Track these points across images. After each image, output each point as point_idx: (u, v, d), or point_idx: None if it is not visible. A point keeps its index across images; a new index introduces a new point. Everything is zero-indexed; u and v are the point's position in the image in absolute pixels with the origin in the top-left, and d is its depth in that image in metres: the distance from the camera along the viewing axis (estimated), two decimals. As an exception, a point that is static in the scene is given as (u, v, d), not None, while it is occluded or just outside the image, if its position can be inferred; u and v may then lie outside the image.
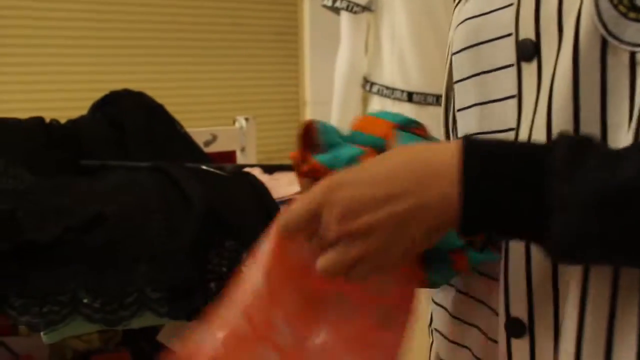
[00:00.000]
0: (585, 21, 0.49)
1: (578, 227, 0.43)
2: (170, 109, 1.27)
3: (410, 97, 1.64)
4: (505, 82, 0.56)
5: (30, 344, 1.02)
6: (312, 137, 0.61)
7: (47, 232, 0.76)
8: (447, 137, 0.71)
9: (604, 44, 0.49)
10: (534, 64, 0.53)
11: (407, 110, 1.65)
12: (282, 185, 1.09)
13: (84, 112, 1.17)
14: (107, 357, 1.08)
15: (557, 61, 0.51)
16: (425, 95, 1.63)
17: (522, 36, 0.53)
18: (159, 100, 1.24)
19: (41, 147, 1.03)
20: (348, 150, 0.60)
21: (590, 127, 0.49)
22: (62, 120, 1.12)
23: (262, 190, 0.98)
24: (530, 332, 0.53)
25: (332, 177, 0.51)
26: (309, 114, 2.73)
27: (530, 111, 0.53)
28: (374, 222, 0.48)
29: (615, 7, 0.48)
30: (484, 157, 0.47)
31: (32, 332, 0.81)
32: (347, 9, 1.63)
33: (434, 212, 0.47)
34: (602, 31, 0.48)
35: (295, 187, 1.09)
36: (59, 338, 0.80)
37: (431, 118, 1.65)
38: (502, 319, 0.55)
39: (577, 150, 0.45)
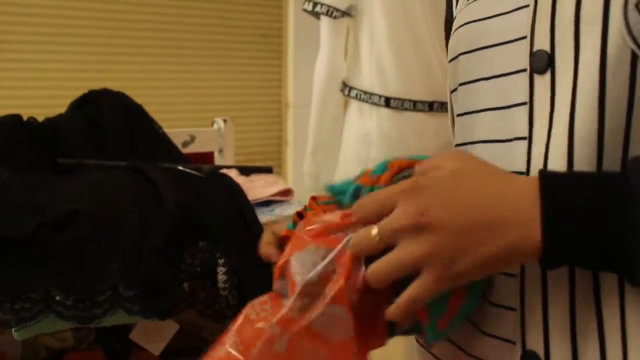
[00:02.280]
0: (613, 34, 0.47)
1: None
2: (152, 108, 1.27)
3: (387, 102, 1.65)
4: (513, 89, 0.55)
5: (3, 341, 1.02)
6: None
7: (20, 228, 0.76)
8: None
9: (634, 59, 0.47)
10: (547, 75, 0.51)
11: (385, 115, 1.66)
12: (258, 187, 1.10)
13: (63, 110, 1.17)
14: (81, 355, 1.08)
15: (578, 73, 0.49)
16: (402, 100, 1.65)
17: (537, 47, 0.52)
18: (139, 100, 1.24)
19: (18, 145, 1.03)
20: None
21: (614, 144, 0.48)
22: (40, 118, 1.12)
23: (237, 192, 0.99)
24: None
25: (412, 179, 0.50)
26: (291, 116, 2.74)
27: (544, 123, 0.51)
28: (458, 216, 0.46)
29: None
30: (563, 190, 0.46)
31: (4, 329, 0.81)
32: (326, 13, 1.64)
33: (517, 229, 0.46)
34: (632, 46, 0.46)
35: (271, 189, 1.10)
36: (31, 335, 0.80)
37: (408, 123, 1.67)
38: (518, 351, 0.53)
39: None
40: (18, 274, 0.76)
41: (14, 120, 1.07)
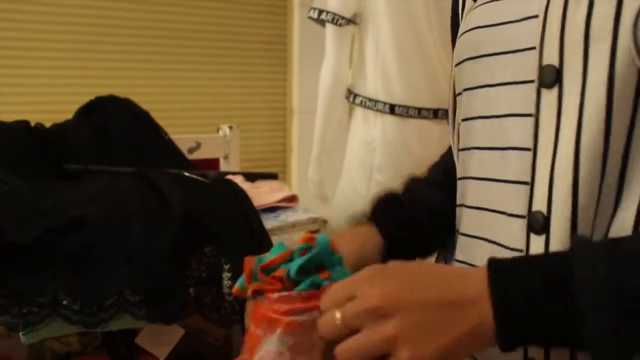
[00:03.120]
0: (621, 52, 0.47)
1: (609, 324, 0.42)
2: (158, 115, 1.28)
3: (392, 109, 1.66)
4: (516, 99, 0.55)
5: (8, 346, 1.02)
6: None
7: (27, 233, 0.77)
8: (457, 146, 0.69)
9: None
10: (555, 90, 0.51)
11: (389, 122, 1.67)
12: (263, 194, 1.10)
13: (70, 116, 1.18)
14: (87, 359, 1.08)
15: (585, 90, 0.49)
16: (407, 107, 1.65)
17: (545, 61, 0.52)
18: (145, 106, 1.25)
19: (25, 150, 1.04)
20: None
21: (617, 158, 0.49)
22: (47, 124, 1.13)
23: (243, 198, 1.00)
24: None
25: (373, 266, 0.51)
26: (296, 123, 2.75)
27: (550, 136, 0.52)
28: (417, 296, 0.47)
29: None
30: (511, 276, 0.47)
31: (11, 333, 0.81)
32: (332, 21, 1.65)
33: (476, 313, 0.46)
34: (639, 63, 0.46)
35: (276, 195, 1.11)
36: (38, 339, 0.81)
37: (412, 130, 1.67)
38: (519, 358, 0.54)
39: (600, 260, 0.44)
40: (25, 279, 0.77)
41: (21, 125, 1.08)
